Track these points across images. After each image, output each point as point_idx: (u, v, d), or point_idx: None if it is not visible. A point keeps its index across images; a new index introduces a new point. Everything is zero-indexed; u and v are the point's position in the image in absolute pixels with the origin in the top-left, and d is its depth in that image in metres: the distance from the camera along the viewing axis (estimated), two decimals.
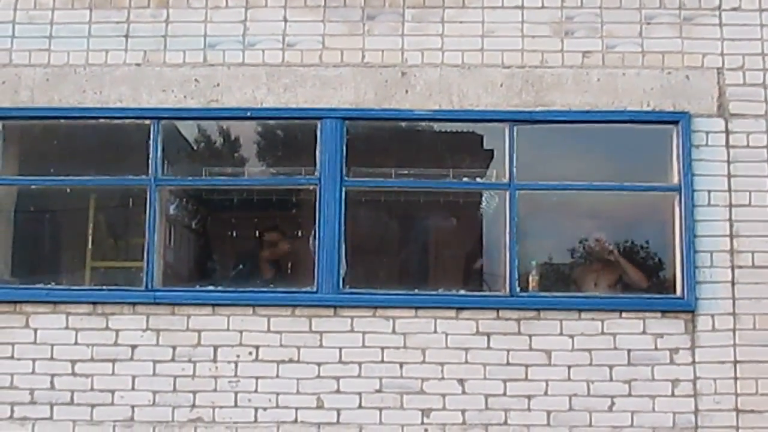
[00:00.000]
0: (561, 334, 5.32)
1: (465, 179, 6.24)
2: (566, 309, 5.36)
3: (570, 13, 5.63)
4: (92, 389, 5.34)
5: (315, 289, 5.41)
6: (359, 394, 5.30)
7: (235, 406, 5.32)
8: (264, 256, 6.62)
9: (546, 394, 5.27)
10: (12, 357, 5.38)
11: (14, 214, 5.97)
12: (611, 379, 5.27)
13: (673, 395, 5.25)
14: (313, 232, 5.57)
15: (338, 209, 5.47)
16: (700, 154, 5.46)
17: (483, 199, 6.72)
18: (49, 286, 5.57)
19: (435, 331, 5.34)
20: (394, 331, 5.34)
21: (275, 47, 5.64)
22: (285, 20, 5.67)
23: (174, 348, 5.37)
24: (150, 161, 5.56)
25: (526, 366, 5.30)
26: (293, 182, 6.01)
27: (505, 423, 5.25)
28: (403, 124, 5.89)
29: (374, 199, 6.30)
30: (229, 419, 5.31)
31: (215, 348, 5.36)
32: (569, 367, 5.29)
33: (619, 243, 6.09)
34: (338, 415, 5.29)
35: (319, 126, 5.56)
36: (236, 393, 5.33)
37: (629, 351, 5.29)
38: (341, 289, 5.41)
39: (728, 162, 5.45)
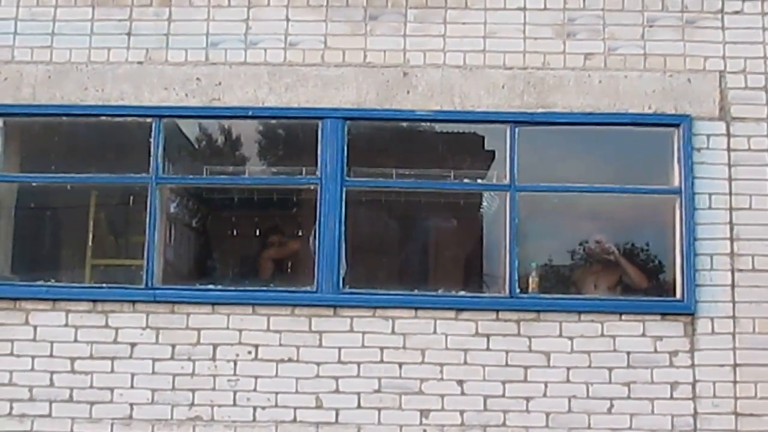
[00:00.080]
0: (560, 335, 5.32)
1: (466, 180, 6.23)
2: (566, 311, 5.36)
3: (572, 15, 5.63)
4: (91, 387, 5.34)
5: (315, 289, 5.41)
6: (358, 394, 5.30)
7: (234, 405, 5.32)
8: (268, 255, 6.62)
9: (545, 395, 5.27)
10: (11, 354, 5.38)
11: (15, 211, 5.97)
12: (610, 382, 5.27)
13: (672, 398, 5.25)
14: (313, 232, 5.58)
15: (339, 209, 5.47)
16: (701, 157, 5.46)
17: (483, 200, 6.72)
18: (49, 283, 5.58)
19: (434, 332, 5.34)
20: (393, 332, 5.34)
21: (277, 46, 5.64)
22: (287, 19, 5.67)
23: (173, 346, 5.37)
24: (151, 159, 5.56)
25: (526, 367, 5.30)
26: (294, 182, 6.01)
27: (504, 424, 5.25)
28: (405, 124, 5.89)
29: (375, 200, 6.30)
30: (228, 418, 5.31)
31: (214, 347, 5.36)
32: (568, 368, 5.29)
33: (619, 245, 6.08)
34: (337, 414, 5.29)
35: (320, 126, 5.56)
36: (235, 392, 5.33)
37: (629, 353, 5.29)
38: (341, 289, 5.41)
39: (729, 165, 5.45)
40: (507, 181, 5.51)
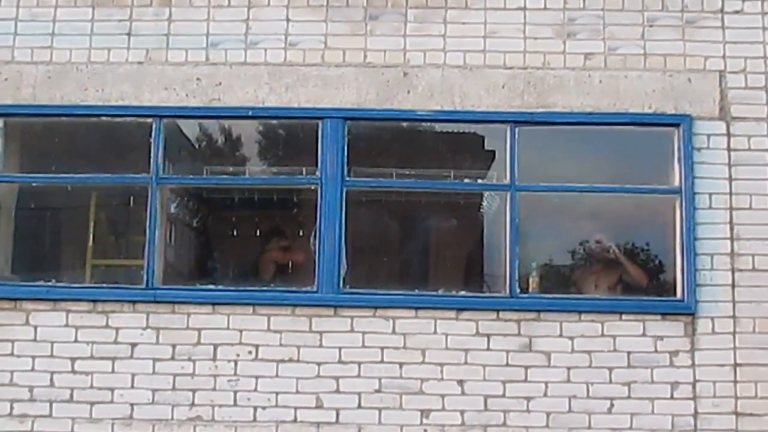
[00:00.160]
0: (561, 335, 5.32)
1: (466, 180, 6.23)
2: (566, 311, 5.36)
3: (572, 15, 5.63)
4: (92, 387, 5.34)
5: (315, 289, 5.41)
6: (358, 394, 5.30)
7: (235, 405, 5.32)
8: (270, 258, 6.62)
9: (545, 395, 5.27)
10: (12, 354, 5.38)
11: (15, 211, 5.97)
12: (611, 381, 5.27)
13: (672, 398, 5.25)
14: (313, 232, 5.58)
15: (339, 209, 5.47)
16: (702, 157, 5.46)
17: (484, 200, 6.72)
18: (49, 283, 5.57)
19: (435, 332, 5.34)
20: (394, 332, 5.34)
21: (277, 46, 5.64)
22: (287, 20, 5.67)
23: (174, 346, 5.37)
24: (151, 159, 5.56)
25: (526, 367, 5.30)
26: (294, 182, 6.02)
27: (504, 424, 5.25)
28: (405, 124, 5.89)
29: (375, 200, 6.30)
30: (229, 418, 5.31)
31: (215, 347, 5.36)
32: (569, 368, 5.29)
33: (619, 245, 6.08)
34: (337, 414, 5.29)
35: (320, 126, 5.56)
36: (236, 392, 5.33)
37: (629, 353, 5.29)
38: (341, 289, 5.41)
39: (729, 165, 5.45)
40: (507, 181, 5.51)
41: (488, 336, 5.33)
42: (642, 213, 5.91)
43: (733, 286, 5.34)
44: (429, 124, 5.93)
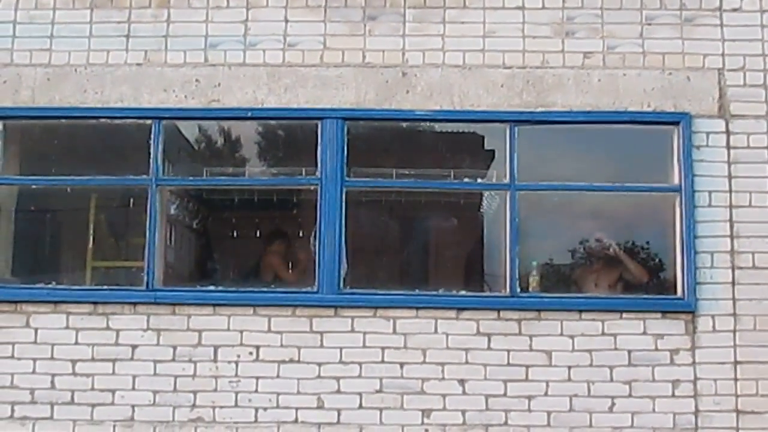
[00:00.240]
0: (561, 334, 5.32)
1: (466, 180, 6.24)
2: (567, 309, 5.36)
3: (571, 14, 5.63)
4: (93, 389, 5.34)
5: (316, 289, 5.41)
6: (360, 394, 5.30)
7: (236, 406, 5.32)
8: (272, 263, 6.63)
9: (546, 394, 5.27)
10: (12, 356, 5.38)
11: (15, 213, 5.97)
12: (611, 380, 5.27)
13: (673, 396, 5.25)
14: (313, 232, 5.58)
15: (339, 209, 5.47)
16: (701, 155, 5.46)
17: (484, 199, 6.72)
18: (49, 285, 5.57)
19: (435, 332, 5.34)
20: (394, 332, 5.34)
21: (276, 47, 5.64)
22: (286, 20, 5.67)
23: (174, 348, 5.37)
24: (151, 161, 5.55)
25: (527, 366, 5.30)
26: (294, 182, 6.02)
27: (506, 423, 5.25)
28: (404, 124, 5.89)
29: (375, 200, 6.31)
30: (230, 419, 5.31)
31: (216, 348, 5.36)
32: (570, 367, 5.29)
33: (619, 243, 6.09)
34: (338, 415, 5.29)
35: (319, 126, 5.56)
36: (237, 393, 5.33)
37: (630, 352, 5.29)
38: (342, 290, 5.41)
39: (729, 163, 5.45)
40: (507, 180, 5.51)
41: (489, 335, 5.33)
42: (642, 211, 5.92)
43: (733, 283, 5.34)
44: (428, 123, 5.92)
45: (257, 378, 5.33)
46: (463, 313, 5.36)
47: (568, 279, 6.38)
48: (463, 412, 5.26)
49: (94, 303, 5.43)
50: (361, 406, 5.29)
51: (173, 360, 5.35)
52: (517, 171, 5.47)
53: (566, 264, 6.46)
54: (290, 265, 6.74)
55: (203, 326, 5.38)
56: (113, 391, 5.34)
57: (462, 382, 5.29)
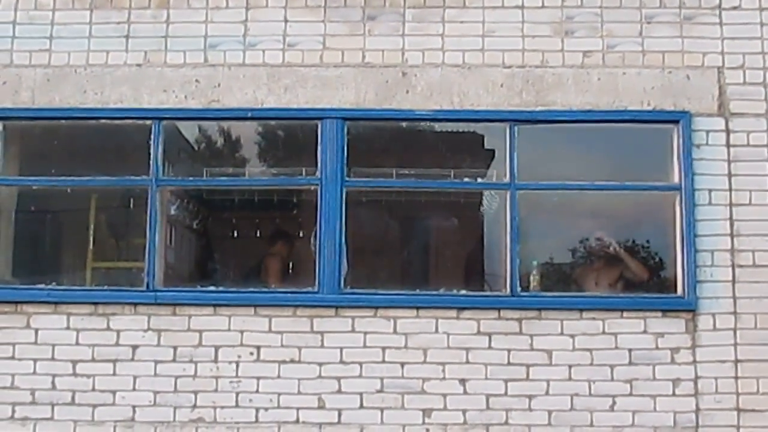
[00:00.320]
0: (562, 333, 5.32)
1: (466, 179, 6.24)
2: (567, 309, 5.36)
3: (570, 13, 5.63)
4: (93, 389, 5.34)
5: (316, 290, 5.41)
6: (360, 394, 5.30)
7: (237, 406, 5.31)
8: (273, 265, 6.63)
9: (547, 393, 5.27)
10: (13, 357, 5.38)
11: (15, 214, 5.97)
12: (612, 379, 5.27)
13: (674, 394, 5.25)
14: (314, 233, 5.57)
15: (339, 209, 5.47)
16: (701, 154, 5.46)
17: (484, 199, 6.72)
18: (50, 286, 5.57)
19: (436, 331, 5.34)
20: (395, 331, 5.34)
21: (276, 47, 5.64)
22: (285, 20, 5.67)
23: (175, 348, 5.37)
24: (151, 162, 5.56)
25: (528, 366, 5.30)
26: (294, 182, 6.02)
27: (506, 423, 5.25)
28: (404, 124, 5.89)
29: (375, 200, 6.31)
30: (231, 419, 5.31)
31: (216, 348, 5.36)
32: (570, 366, 5.29)
33: (620, 242, 6.09)
34: (339, 415, 5.29)
35: (319, 126, 5.56)
36: (237, 393, 5.33)
37: (630, 350, 5.29)
38: (342, 290, 5.41)
39: (729, 161, 5.45)
40: (507, 179, 5.51)
41: (489, 335, 5.33)
42: (642, 210, 5.92)
43: (733, 282, 5.34)
44: (428, 123, 5.92)
45: (258, 378, 5.33)
46: (463, 312, 5.36)
47: (568, 278, 6.38)
48: (464, 411, 5.26)
49: (95, 303, 5.43)
50: (362, 406, 5.29)
51: (174, 360, 5.35)
52: (517, 170, 5.47)
53: (567, 263, 6.46)
54: (290, 266, 6.74)
55: (204, 326, 5.38)
56: (114, 392, 5.34)
57: (463, 381, 5.29)
